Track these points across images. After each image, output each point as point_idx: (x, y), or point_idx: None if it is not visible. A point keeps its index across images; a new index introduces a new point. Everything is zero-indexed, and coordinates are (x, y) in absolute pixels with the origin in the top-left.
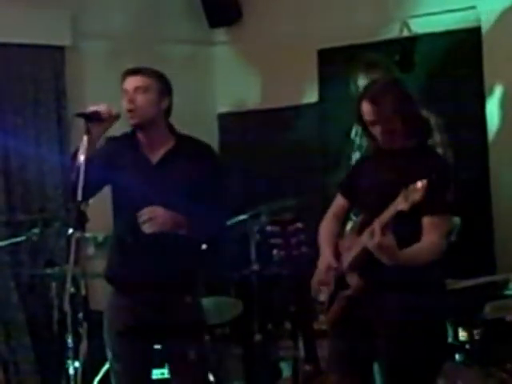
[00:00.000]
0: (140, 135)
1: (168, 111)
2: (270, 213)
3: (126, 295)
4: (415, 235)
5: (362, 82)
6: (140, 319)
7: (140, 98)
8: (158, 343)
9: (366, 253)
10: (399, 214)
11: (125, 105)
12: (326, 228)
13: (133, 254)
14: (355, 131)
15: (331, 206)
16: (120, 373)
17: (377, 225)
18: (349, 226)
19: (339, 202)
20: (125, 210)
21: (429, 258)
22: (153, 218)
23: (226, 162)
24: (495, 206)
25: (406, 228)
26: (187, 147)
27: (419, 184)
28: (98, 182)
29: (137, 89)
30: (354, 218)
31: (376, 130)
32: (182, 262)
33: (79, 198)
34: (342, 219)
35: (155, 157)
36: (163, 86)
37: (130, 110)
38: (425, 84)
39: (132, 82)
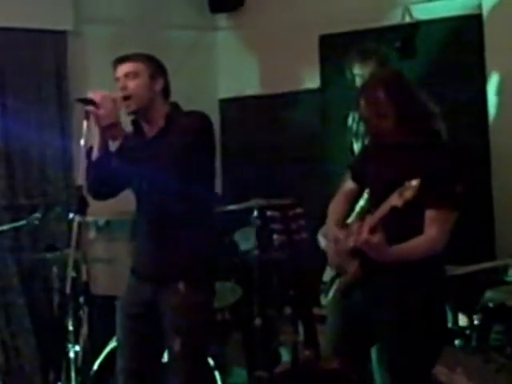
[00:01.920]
0: (140, 119)
1: (165, 91)
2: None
3: (134, 277)
4: (419, 228)
5: (357, 70)
6: (140, 304)
7: (132, 84)
8: (155, 330)
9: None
10: (395, 209)
11: (119, 93)
12: (333, 208)
13: (136, 235)
14: (352, 117)
15: (341, 187)
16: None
17: (367, 222)
18: (357, 207)
19: (349, 184)
20: (133, 190)
21: (425, 254)
22: None
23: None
24: (496, 192)
25: (410, 220)
26: (179, 121)
27: (413, 182)
28: (121, 178)
29: (127, 75)
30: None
31: (370, 127)
32: (175, 243)
33: (80, 182)
34: (352, 201)
35: (150, 135)
36: (154, 68)
37: (124, 98)
38: (426, 70)
39: (122, 70)
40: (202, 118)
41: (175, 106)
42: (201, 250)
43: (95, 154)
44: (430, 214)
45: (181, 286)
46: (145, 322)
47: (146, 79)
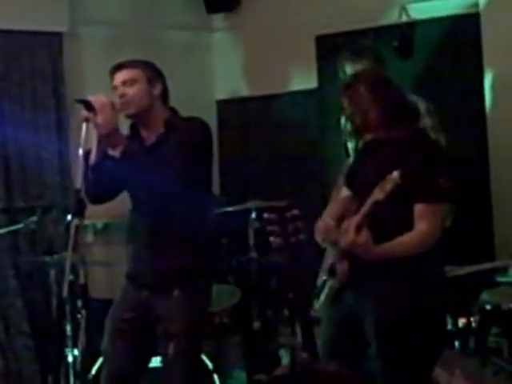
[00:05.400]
0: (138, 124)
1: (163, 96)
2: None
3: (128, 282)
4: (408, 223)
5: (349, 69)
6: (133, 309)
7: (130, 91)
8: (146, 335)
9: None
10: (377, 204)
11: (117, 100)
12: (327, 210)
13: (131, 240)
14: (345, 119)
15: (336, 194)
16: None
17: (352, 222)
18: None
19: (343, 192)
20: (129, 194)
21: (416, 249)
22: None
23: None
24: (494, 192)
25: (397, 215)
26: (178, 127)
27: (393, 174)
28: (119, 183)
29: (125, 82)
30: None
31: (356, 122)
32: (173, 251)
33: (78, 185)
34: (348, 207)
35: (149, 141)
36: (151, 73)
37: (123, 104)
38: (423, 69)
39: (119, 77)
40: (202, 126)
41: (173, 111)
42: (198, 256)
43: (93, 159)
44: (417, 208)
45: (176, 292)
46: (137, 326)
47: (144, 85)
